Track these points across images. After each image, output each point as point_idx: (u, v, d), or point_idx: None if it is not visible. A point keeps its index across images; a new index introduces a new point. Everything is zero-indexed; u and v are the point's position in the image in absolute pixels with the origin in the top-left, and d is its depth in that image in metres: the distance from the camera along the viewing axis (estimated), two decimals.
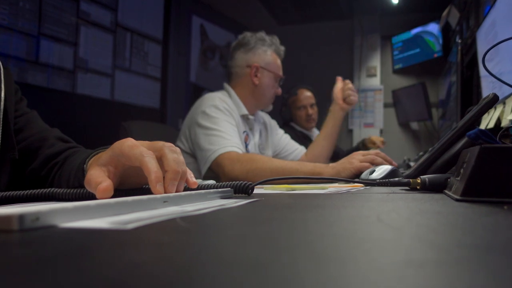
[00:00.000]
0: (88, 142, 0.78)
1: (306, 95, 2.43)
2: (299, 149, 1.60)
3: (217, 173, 1.21)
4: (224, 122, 1.28)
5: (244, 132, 1.41)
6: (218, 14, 3.55)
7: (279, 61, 1.47)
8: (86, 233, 0.24)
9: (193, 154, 1.32)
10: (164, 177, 0.45)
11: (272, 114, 1.79)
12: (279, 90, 1.47)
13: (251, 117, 1.44)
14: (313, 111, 2.42)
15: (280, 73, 1.47)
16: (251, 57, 1.42)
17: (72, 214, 0.28)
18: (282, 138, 1.63)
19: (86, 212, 0.29)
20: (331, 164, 1.08)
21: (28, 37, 2.03)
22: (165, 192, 0.44)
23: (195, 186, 0.51)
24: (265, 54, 1.43)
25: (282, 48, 1.48)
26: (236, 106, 1.40)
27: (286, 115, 2.45)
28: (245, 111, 1.41)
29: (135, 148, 0.46)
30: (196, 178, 1.21)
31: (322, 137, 1.55)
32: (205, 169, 1.22)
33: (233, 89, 1.43)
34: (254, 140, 1.48)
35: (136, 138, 0.50)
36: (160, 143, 0.48)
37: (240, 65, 1.43)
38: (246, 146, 1.42)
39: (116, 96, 2.56)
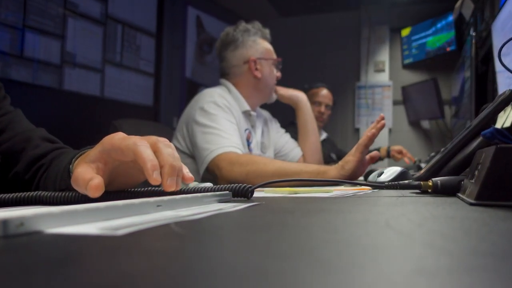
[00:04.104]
0: (76, 142, 0.78)
1: (327, 94, 2.61)
2: (298, 149, 1.62)
3: (214, 175, 1.21)
4: (223, 120, 1.28)
5: (246, 129, 1.42)
6: (215, 4, 3.55)
7: (269, 45, 1.49)
8: (73, 239, 0.24)
9: (190, 154, 1.32)
10: (160, 173, 0.44)
11: (277, 111, 1.80)
12: (279, 74, 1.50)
13: (253, 113, 1.45)
14: (325, 112, 2.59)
15: (275, 56, 1.49)
16: (244, 52, 1.43)
17: (59, 219, 0.28)
18: (283, 136, 1.64)
19: (74, 216, 0.29)
20: (334, 165, 1.09)
21: (12, 30, 2.03)
22: (164, 189, 0.44)
23: (192, 181, 0.50)
24: (256, 43, 1.45)
25: (267, 31, 1.50)
26: (237, 102, 1.40)
27: None
28: (247, 107, 1.42)
29: (127, 139, 0.46)
30: (194, 179, 1.22)
31: (302, 136, 1.61)
32: (203, 170, 1.23)
33: (234, 86, 1.44)
34: (256, 138, 1.49)
35: None
36: (153, 138, 0.48)
37: (236, 64, 1.44)
38: (249, 144, 1.42)
39: (106, 92, 2.56)
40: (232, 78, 1.45)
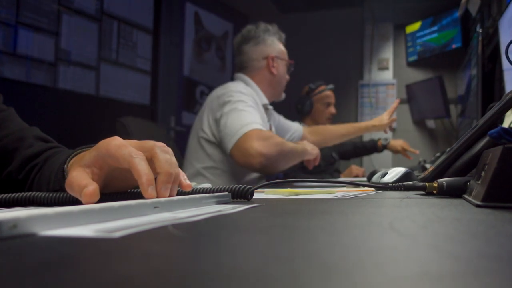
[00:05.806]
0: (71, 142, 0.78)
1: (332, 93, 2.63)
2: (295, 127, 1.76)
3: (241, 155, 1.27)
4: (252, 108, 1.38)
5: (268, 122, 1.56)
6: (214, 1, 3.55)
7: (284, 48, 1.66)
8: (68, 242, 0.24)
9: (218, 143, 1.39)
10: (156, 180, 0.45)
11: (285, 107, 1.88)
12: (287, 77, 1.66)
13: (270, 107, 1.58)
14: (335, 111, 2.64)
15: (288, 59, 1.66)
16: (264, 48, 1.58)
17: (53, 220, 0.28)
18: (280, 120, 1.76)
19: (69, 218, 0.29)
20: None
21: (5, 27, 2.03)
22: (157, 197, 0.44)
23: (190, 189, 0.51)
24: (274, 43, 1.61)
25: (283, 35, 1.67)
26: (257, 95, 1.51)
27: (306, 106, 2.53)
28: (265, 100, 1.54)
29: (123, 148, 0.46)
30: (220, 175, 1.35)
31: (342, 133, 1.74)
32: (231, 146, 1.29)
33: (251, 80, 1.55)
34: (273, 131, 1.63)
35: (136, 137, 0.50)
36: (150, 143, 0.48)
37: (256, 59, 1.57)
38: None
39: (101, 91, 2.56)
40: (249, 72, 1.57)
